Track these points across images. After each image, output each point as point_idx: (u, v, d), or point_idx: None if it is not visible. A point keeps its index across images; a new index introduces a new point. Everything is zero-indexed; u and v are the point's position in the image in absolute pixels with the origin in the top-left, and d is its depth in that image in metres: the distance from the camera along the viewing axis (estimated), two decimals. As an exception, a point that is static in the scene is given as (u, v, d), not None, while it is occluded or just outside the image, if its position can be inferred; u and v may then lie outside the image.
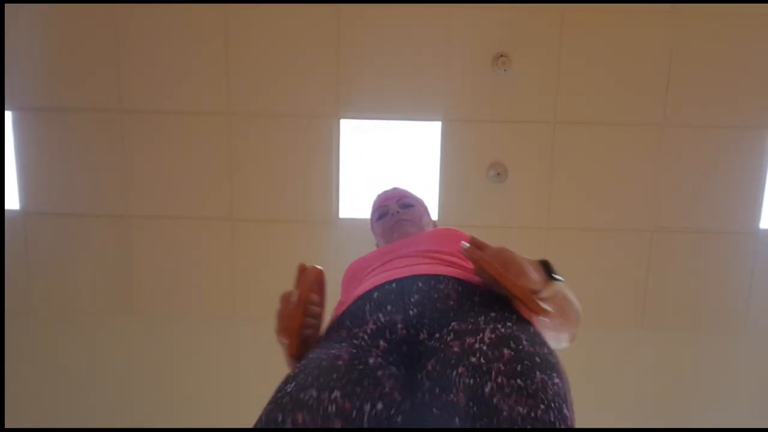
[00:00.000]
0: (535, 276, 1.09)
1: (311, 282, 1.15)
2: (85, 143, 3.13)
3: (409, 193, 1.71)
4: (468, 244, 1.14)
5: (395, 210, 1.61)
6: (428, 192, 3.14)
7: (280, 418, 0.87)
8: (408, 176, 3.18)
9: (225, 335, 3.21)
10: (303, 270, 1.17)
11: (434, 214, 3.12)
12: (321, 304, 1.18)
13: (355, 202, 3.14)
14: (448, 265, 1.21)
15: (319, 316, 1.16)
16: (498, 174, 3.07)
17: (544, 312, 1.06)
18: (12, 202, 3.18)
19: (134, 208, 3.18)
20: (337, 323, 1.15)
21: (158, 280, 3.25)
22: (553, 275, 1.12)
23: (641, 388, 3.28)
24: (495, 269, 1.06)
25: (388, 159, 3.17)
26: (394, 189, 1.73)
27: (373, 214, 1.71)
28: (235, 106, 3.07)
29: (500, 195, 3.09)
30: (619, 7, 2.91)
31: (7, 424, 3.13)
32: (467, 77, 3.01)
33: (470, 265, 1.20)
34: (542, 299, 1.08)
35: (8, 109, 3.08)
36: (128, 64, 3.04)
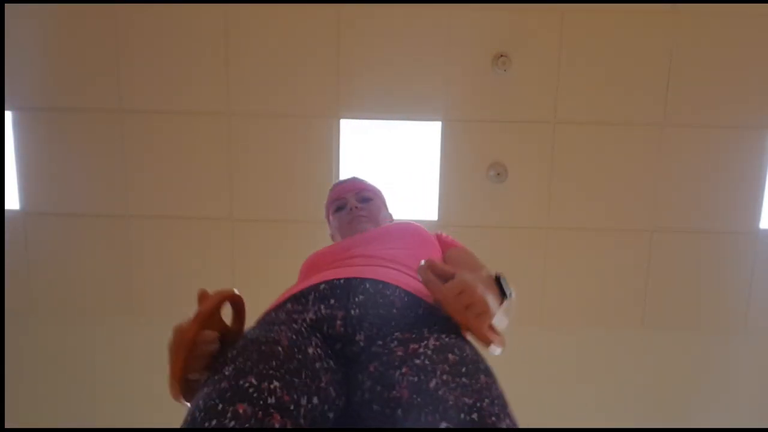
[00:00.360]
0: (494, 307, 1.03)
1: (207, 312, 0.99)
2: (85, 143, 3.13)
3: (368, 185, 1.66)
4: (424, 266, 1.06)
5: (353, 204, 1.57)
6: (428, 192, 3.14)
7: (220, 407, 0.83)
8: (408, 176, 3.18)
9: (225, 335, 3.20)
10: (203, 297, 1.02)
11: (434, 214, 3.13)
12: (222, 338, 1.03)
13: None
14: (402, 274, 1.19)
15: (208, 357, 1.00)
16: (498, 174, 3.07)
17: (496, 342, 1.02)
18: (12, 202, 3.18)
19: (134, 208, 3.18)
20: (280, 305, 1.14)
21: (158, 280, 3.25)
22: (506, 292, 1.07)
23: (641, 388, 3.28)
24: (455, 309, 1.00)
25: (388, 159, 3.17)
26: (353, 179, 1.68)
27: (329, 205, 1.66)
28: (235, 106, 3.07)
29: (500, 195, 3.09)
30: (619, 7, 2.91)
31: (7, 424, 3.13)
32: (467, 77, 3.01)
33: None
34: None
35: (8, 109, 3.08)
36: (128, 64, 3.04)
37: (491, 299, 1.03)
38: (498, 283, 1.07)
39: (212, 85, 3.05)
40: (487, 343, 1.01)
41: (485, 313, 1.01)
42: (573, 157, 3.08)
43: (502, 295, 1.06)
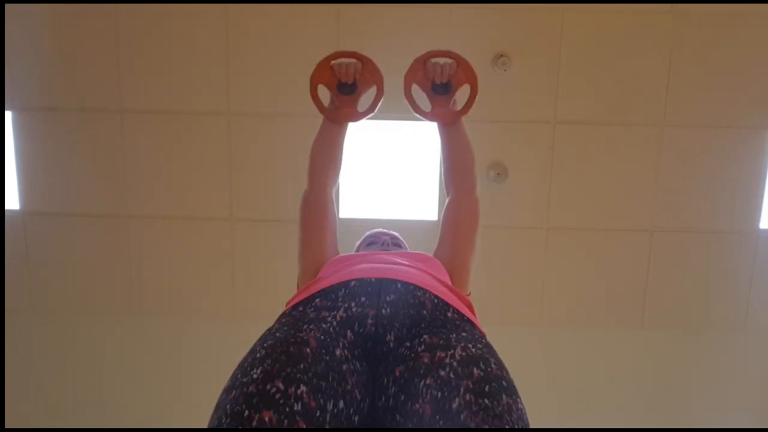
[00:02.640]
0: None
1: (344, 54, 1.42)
2: (85, 143, 3.12)
3: (404, 242, 1.73)
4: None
5: (386, 242, 1.64)
6: (428, 192, 3.14)
7: (246, 413, 0.85)
8: (408, 176, 3.18)
9: (225, 335, 3.21)
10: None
11: (434, 214, 3.13)
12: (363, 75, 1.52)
13: (355, 202, 3.14)
14: (432, 279, 1.22)
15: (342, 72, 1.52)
16: (498, 174, 3.07)
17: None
18: (12, 202, 3.18)
19: (134, 208, 3.18)
20: (308, 300, 1.15)
21: (158, 280, 3.25)
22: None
23: (641, 388, 3.28)
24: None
25: (388, 159, 3.17)
26: (392, 232, 1.75)
27: (362, 241, 1.71)
28: (235, 106, 3.07)
29: (500, 195, 3.09)
30: (619, 7, 2.91)
31: (7, 424, 3.13)
32: (467, 77, 3.01)
33: (449, 287, 1.22)
34: None
35: (8, 109, 3.08)
36: (128, 64, 3.04)
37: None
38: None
39: (212, 85, 3.04)
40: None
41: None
42: (573, 157, 3.08)
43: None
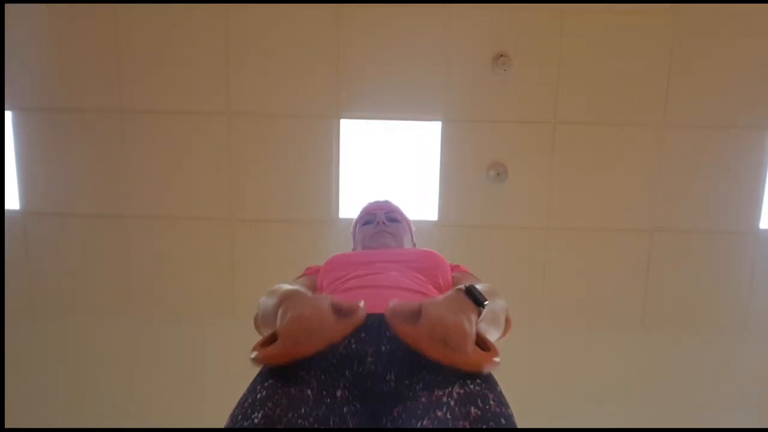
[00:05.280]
0: (469, 325, 0.97)
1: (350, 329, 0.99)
2: (85, 143, 3.12)
3: (399, 210, 1.76)
4: (388, 313, 0.99)
5: (381, 220, 1.65)
6: (428, 192, 3.14)
7: None
8: (408, 176, 3.18)
9: (225, 335, 3.21)
10: (358, 310, 1.01)
11: (434, 214, 3.13)
12: None
13: (355, 202, 3.14)
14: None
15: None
16: (498, 174, 3.07)
17: (494, 362, 0.98)
18: (12, 202, 3.18)
19: (134, 208, 3.18)
20: None
21: (158, 280, 3.25)
22: (481, 303, 1.01)
23: (641, 388, 3.28)
24: (435, 351, 0.95)
25: (388, 159, 3.17)
26: (386, 201, 1.78)
27: (358, 219, 1.75)
28: (235, 106, 3.07)
29: (500, 195, 3.09)
30: (619, 7, 2.91)
31: (7, 424, 3.13)
32: (467, 77, 3.01)
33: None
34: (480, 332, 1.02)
35: (8, 109, 3.08)
36: (128, 64, 3.04)
37: (466, 319, 0.97)
38: (468, 294, 1.02)
39: (212, 85, 3.04)
40: (481, 367, 0.97)
41: (463, 339, 0.95)
42: (573, 157, 3.08)
43: (477, 305, 1.01)
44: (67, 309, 3.30)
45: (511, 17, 2.94)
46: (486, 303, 1.01)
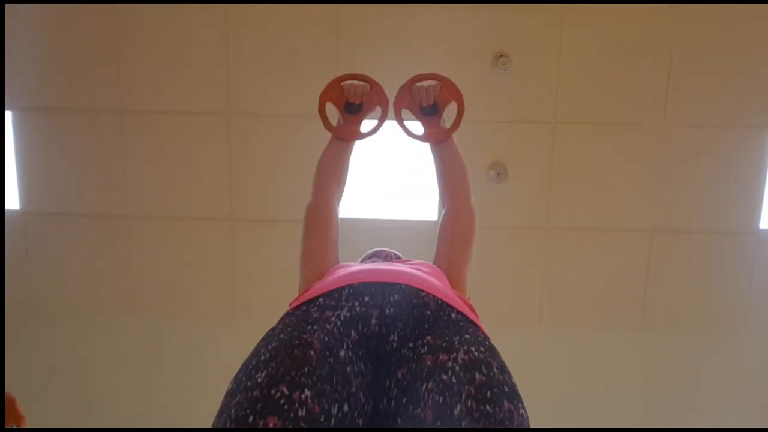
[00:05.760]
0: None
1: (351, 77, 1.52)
2: (85, 143, 3.12)
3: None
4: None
5: (390, 255, 1.67)
6: (428, 192, 3.14)
7: (251, 419, 0.86)
8: (408, 176, 3.18)
9: (225, 335, 3.21)
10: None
11: (434, 214, 3.12)
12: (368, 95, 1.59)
13: (355, 202, 3.14)
14: (434, 281, 1.22)
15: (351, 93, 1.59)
16: (498, 174, 3.07)
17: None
18: (12, 202, 3.18)
19: (134, 208, 3.18)
20: (311, 300, 1.15)
21: (158, 280, 3.25)
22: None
23: (641, 388, 3.28)
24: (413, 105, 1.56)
25: (388, 159, 3.17)
26: (395, 252, 1.78)
27: (366, 255, 1.73)
28: (235, 106, 3.07)
29: (500, 195, 3.09)
30: (619, 7, 2.91)
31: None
32: (467, 77, 3.01)
33: (451, 290, 1.23)
34: None
35: (8, 109, 3.08)
36: (128, 64, 3.04)
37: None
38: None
39: (212, 85, 3.04)
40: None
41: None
42: (573, 157, 3.08)
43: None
44: (67, 309, 3.30)
45: (511, 17, 2.94)
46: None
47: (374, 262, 1.47)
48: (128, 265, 3.24)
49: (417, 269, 1.28)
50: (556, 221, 3.14)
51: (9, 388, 3.16)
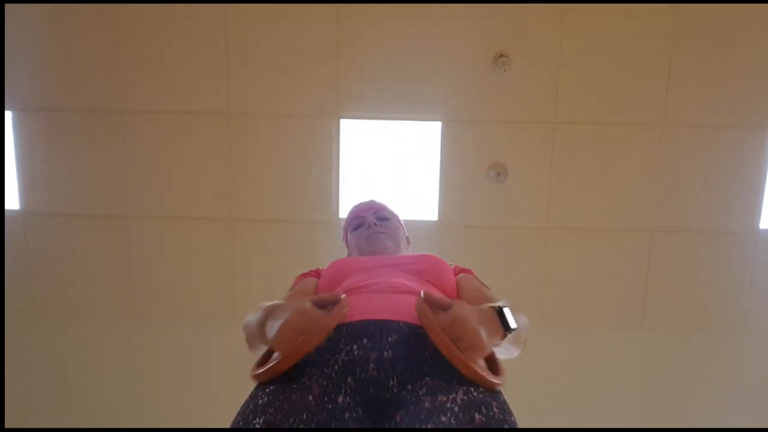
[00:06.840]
0: (488, 341, 1.02)
1: (340, 318, 1.06)
2: (85, 143, 3.12)
3: (386, 207, 1.71)
4: (422, 299, 1.06)
5: (372, 221, 1.60)
6: (428, 192, 3.14)
7: None
8: (408, 176, 3.18)
9: (225, 335, 3.20)
10: (344, 305, 1.07)
11: (434, 214, 3.13)
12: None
13: (355, 202, 3.14)
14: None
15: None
16: (498, 174, 3.07)
17: (494, 384, 1.00)
18: (12, 202, 3.18)
19: (134, 208, 3.18)
20: None
21: (158, 280, 3.25)
22: (508, 327, 1.05)
23: (641, 388, 3.28)
24: (443, 343, 0.98)
25: (388, 159, 3.17)
26: (371, 201, 1.72)
27: (348, 224, 1.69)
28: (235, 106, 3.07)
29: (500, 195, 3.09)
30: (619, 7, 2.91)
31: (7, 424, 3.13)
32: (467, 77, 3.01)
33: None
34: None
35: (8, 109, 3.08)
36: (128, 64, 3.04)
37: (486, 333, 1.01)
38: (500, 315, 1.05)
39: (212, 85, 3.04)
40: (477, 377, 0.98)
41: (475, 347, 0.99)
42: (573, 157, 3.08)
43: (505, 328, 1.05)
44: (68, 309, 3.30)
45: (511, 17, 2.94)
46: (513, 329, 1.05)
47: (370, 265, 1.38)
48: (128, 265, 3.24)
49: (414, 278, 1.25)
50: (556, 221, 3.14)
51: (9, 388, 3.16)
